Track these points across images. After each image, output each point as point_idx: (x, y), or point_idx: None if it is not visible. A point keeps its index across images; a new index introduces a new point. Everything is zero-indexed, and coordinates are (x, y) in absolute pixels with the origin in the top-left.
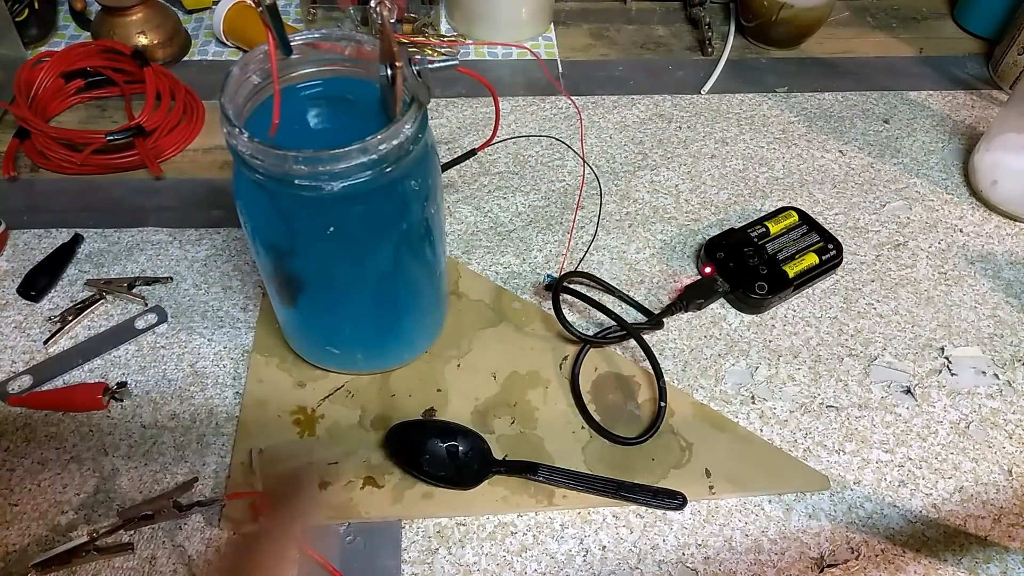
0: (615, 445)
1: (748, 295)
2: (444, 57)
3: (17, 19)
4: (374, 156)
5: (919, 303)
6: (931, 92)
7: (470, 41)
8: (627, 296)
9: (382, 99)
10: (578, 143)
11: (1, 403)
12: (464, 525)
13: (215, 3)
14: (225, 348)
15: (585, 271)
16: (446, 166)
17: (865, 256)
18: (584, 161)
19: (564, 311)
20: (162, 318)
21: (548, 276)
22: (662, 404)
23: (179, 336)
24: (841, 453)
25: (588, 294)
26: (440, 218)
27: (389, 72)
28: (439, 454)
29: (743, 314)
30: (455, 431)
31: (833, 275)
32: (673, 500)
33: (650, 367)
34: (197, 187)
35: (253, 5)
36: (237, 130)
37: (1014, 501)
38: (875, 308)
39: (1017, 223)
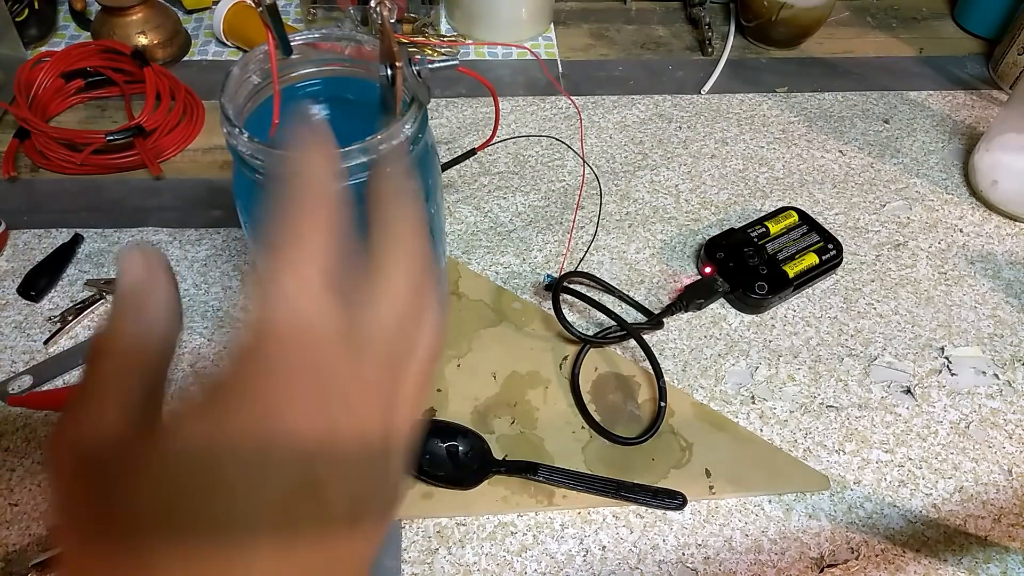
0: (615, 445)
1: (748, 295)
2: (444, 57)
3: (17, 19)
4: (374, 156)
5: (919, 303)
6: (931, 92)
7: (470, 41)
8: (627, 296)
9: (382, 99)
10: (578, 143)
11: (1, 403)
12: (464, 525)
13: (215, 3)
14: (225, 348)
15: (585, 271)
16: (446, 166)
17: (865, 256)
18: (584, 161)
19: (564, 311)
20: None
21: (548, 276)
22: (662, 404)
23: (179, 336)
24: (841, 453)
25: (588, 294)
26: (440, 218)
27: (389, 72)
28: (439, 454)
29: (743, 314)
30: (455, 431)
31: (833, 275)
32: (673, 500)
33: (650, 367)
34: (197, 187)
35: (253, 5)
36: (237, 130)
37: (1014, 501)
38: (875, 308)
39: (1017, 223)
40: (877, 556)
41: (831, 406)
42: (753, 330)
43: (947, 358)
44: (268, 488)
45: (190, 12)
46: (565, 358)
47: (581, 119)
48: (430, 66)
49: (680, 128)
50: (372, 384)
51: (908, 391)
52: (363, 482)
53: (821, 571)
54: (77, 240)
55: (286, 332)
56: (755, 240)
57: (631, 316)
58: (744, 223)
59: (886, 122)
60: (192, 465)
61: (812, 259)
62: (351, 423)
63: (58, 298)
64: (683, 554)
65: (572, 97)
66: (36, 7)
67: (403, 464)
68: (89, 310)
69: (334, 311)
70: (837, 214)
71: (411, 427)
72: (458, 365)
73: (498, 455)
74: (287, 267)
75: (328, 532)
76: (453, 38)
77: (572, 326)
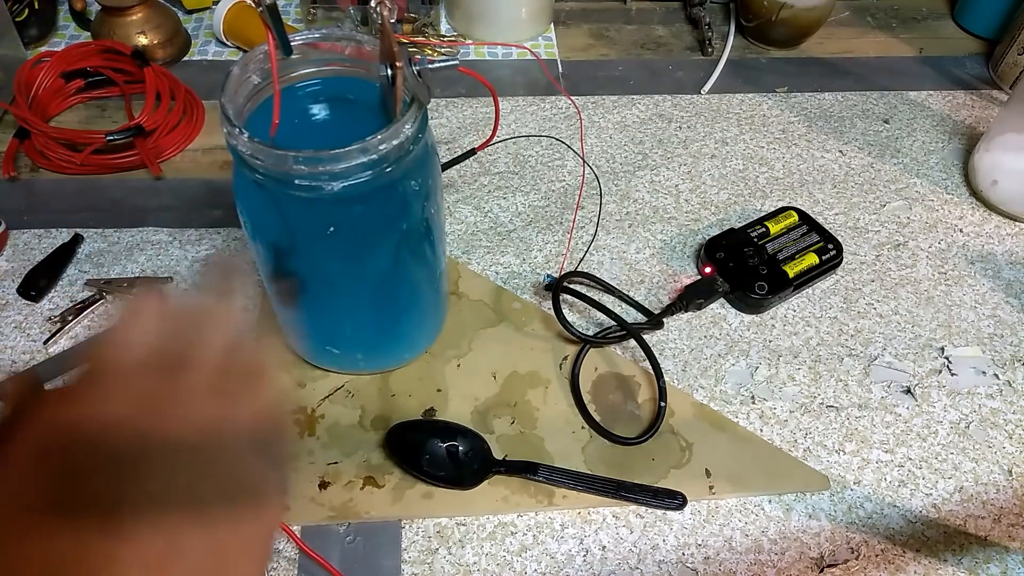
0: (615, 445)
1: (748, 295)
2: (444, 57)
3: (17, 19)
4: (374, 156)
5: (919, 303)
6: (931, 92)
7: (470, 41)
8: (627, 296)
9: (382, 99)
10: (578, 143)
11: (1, 403)
12: (464, 525)
13: (215, 3)
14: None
15: (585, 271)
16: (446, 166)
17: (865, 256)
18: (584, 161)
19: (564, 311)
20: None
21: (548, 276)
22: (662, 404)
23: None
24: (841, 453)
25: (588, 294)
26: (440, 218)
27: (389, 72)
28: (439, 454)
29: (743, 314)
30: (455, 431)
31: (833, 275)
32: (673, 500)
33: (650, 367)
34: (197, 187)
35: (253, 5)
36: (237, 130)
37: (1014, 501)
38: (875, 308)
39: (1017, 223)
40: (877, 556)
41: (831, 406)
42: (753, 330)
43: (947, 358)
44: (82, 471)
45: (190, 12)
46: (565, 358)
47: (581, 119)
48: (430, 66)
49: (680, 128)
50: (190, 399)
51: (908, 391)
52: (165, 474)
53: (821, 571)
54: (77, 240)
55: (112, 359)
56: (755, 240)
57: (631, 316)
58: (744, 223)
59: (886, 122)
60: (33, 450)
61: (812, 259)
62: (165, 424)
63: (58, 298)
64: (683, 554)
65: (572, 97)
66: (36, 7)
67: (229, 468)
68: (89, 310)
69: (154, 352)
70: (837, 214)
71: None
72: (458, 365)
73: (498, 455)
74: (132, 317)
75: (134, 517)
76: (453, 38)
77: (572, 326)
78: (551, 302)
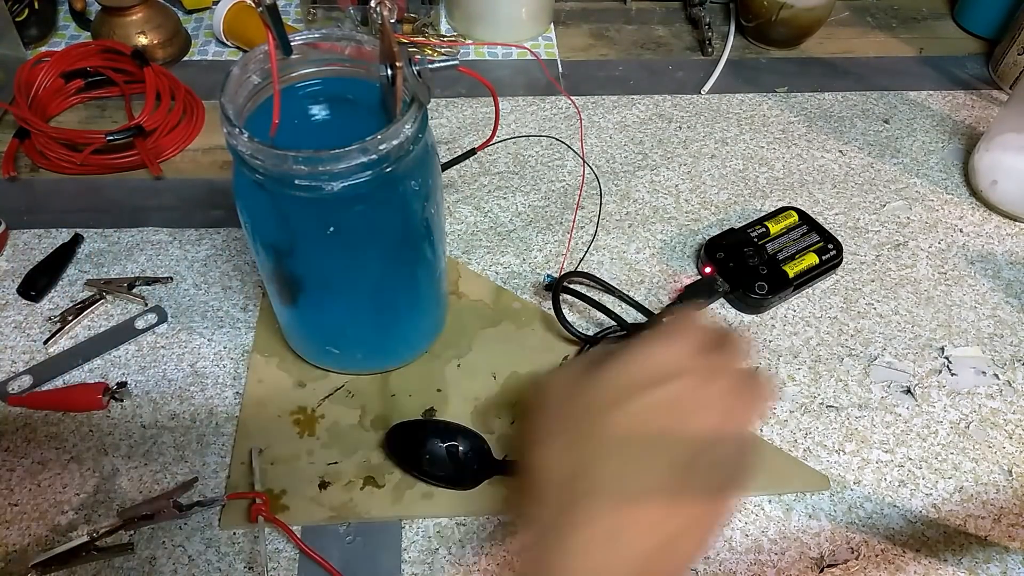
0: None
1: (748, 295)
2: (444, 57)
3: (17, 19)
4: (374, 156)
5: (919, 303)
6: (931, 92)
7: (470, 41)
8: (627, 296)
9: (382, 99)
10: (578, 143)
11: (1, 403)
12: (464, 525)
13: (215, 3)
14: (225, 348)
15: (585, 271)
16: (446, 166)
17: (865, 256)
18: (584, 161)
19: (564, 311)
20: (162, 318)
21: (548, 276)
22: None
23: (179, 336)
24: (841, 453)
25: (588, 294)
26: (440, 218)
27: (389, 72)
28: (439, 454)
29: (743, 314)
30: (455, 431)
31: (833, 275)
32: None
33: None
34: (197, 187)
35: (253, 5)
36: (237, 130)
37: (1014, 501)
38: (875, 308)
39: (1017, 223)
40: (877, 556)
41: (831, 406)
42: (753, 330)
43: (947, 358)
44: (661, 464)
45: (190, 12)
46: (565, 358)
47: (581, 119)
48: (430, 66)
49: (680, 128)
50: (713, 403)
51: (908, 391)
52: (715, 461)
53: (821, 571)
54: (77, 240)
55: (660, 369)
56: (755, 240)
57: (631, 316)
58: (744, 223)
59: (886, 122)
60: (617, 445)
61: (812, 259)
62: (699, 424)
63: (58, 298)
64: None
65: (572, 97)
66: (36, 7)
67: (738, 456)
68: (89, 310)
69: (691, 363)
70: (837, 214)
71: (743, 432)
72: (458, 365)
73: (498, 455)
74: (672, 342)
75: (699, 494)
76: (453, 38)
77: (572, 326)
78: (551, 302)
